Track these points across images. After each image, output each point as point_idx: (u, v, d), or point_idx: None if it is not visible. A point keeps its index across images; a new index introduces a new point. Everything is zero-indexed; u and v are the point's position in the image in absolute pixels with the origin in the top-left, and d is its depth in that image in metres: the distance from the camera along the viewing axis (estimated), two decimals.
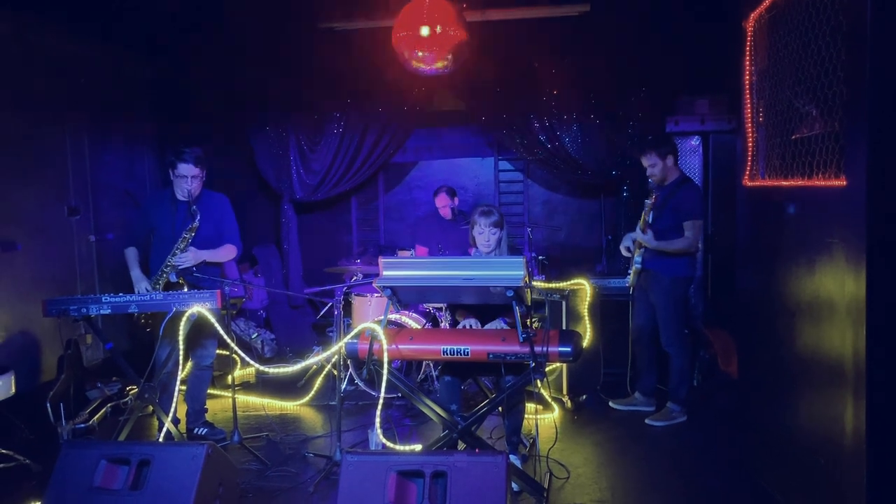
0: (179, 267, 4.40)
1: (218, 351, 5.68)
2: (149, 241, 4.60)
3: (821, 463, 3.03)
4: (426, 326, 5.36)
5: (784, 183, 3.46)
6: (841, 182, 2.77)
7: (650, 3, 6.10)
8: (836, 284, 2.82)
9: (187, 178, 4.41)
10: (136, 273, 4.49)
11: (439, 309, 5.54)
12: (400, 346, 3.56)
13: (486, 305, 3.87)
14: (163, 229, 4.48)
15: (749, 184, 4.01)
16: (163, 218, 4.49)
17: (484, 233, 4.05)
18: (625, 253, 5.03)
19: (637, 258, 4.76)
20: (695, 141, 6.25)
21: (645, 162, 4.79)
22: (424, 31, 5.03)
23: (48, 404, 4.67)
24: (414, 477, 2.97)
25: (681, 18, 6.08)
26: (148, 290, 4.35)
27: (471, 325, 4.00)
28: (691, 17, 5.98)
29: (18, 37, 5.26)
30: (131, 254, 4.55)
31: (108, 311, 3.98)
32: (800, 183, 3.23)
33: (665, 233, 4.61)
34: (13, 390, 4.24)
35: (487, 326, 3.97)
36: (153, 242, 4.56)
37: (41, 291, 5.17)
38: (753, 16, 3.91)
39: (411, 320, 5.33)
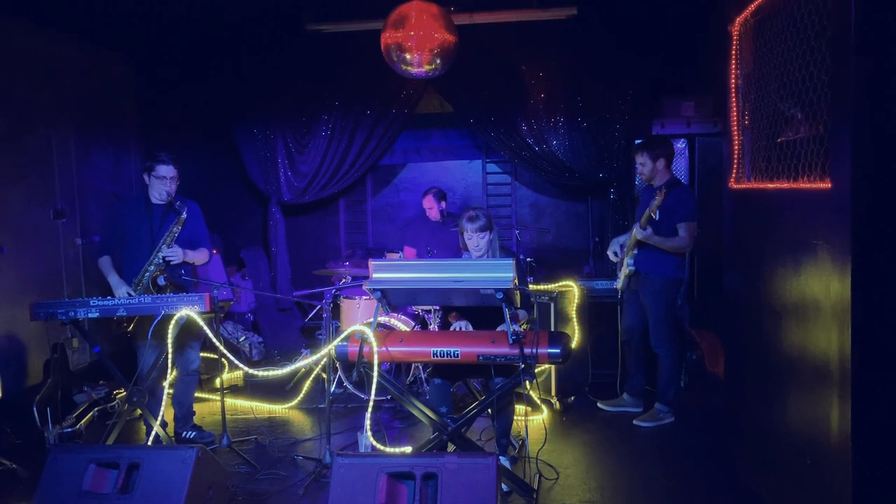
0: (171, 261, 4.36)
1: (206, 354, 5.69)
2: (121, 248, 4.51)
3: (807, 462, 3.06)
4: (415, 329, 5.37)
5: (770, 185, 3.50)
6: (826, 184, 2.80)
7: (637, 7, 6.14)
8: (822, 286, 2.86)
9: (166, 180, 4.40)
10: (114, 279, 4.41)
11: (428, 311, 5.55)
12: (390, 349, 3.57)
13: (482, 308, 3.88)
14: (140, 233, 4.42)
15: (735, 186, 4.05)
16: (140, 223, 4.44)
17: (472, 238, 4.08)
18: (612, 258, 5.07)
19: (629, 260, 4.79)
20: (681, 143, 6.30)
21: (637, 160, 4.89)
22: (412, 33, 5.05)
23: (35, 408, 4.64)
24: (405, 479, 2.99)
25: (667, 22, 6.13)
26: (130, 295, 4.29)
27: (462, 328, 4.01)
28: (677, 20, 6.03)
29: (4, 39, 5.23)
30: (107, 262, 4.47)
31: (96, 315, 3.96)
32: (785, 185, 3.27)
33: (658, 234, 4.64)
34: (0, 394, 4.20)
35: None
36: (128, 248, 4.48)
37: (27, 294, 5.14)
38: (739, 20, 3.95)
39: (400, 323, 5.33)
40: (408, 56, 5.12)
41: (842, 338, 2.68)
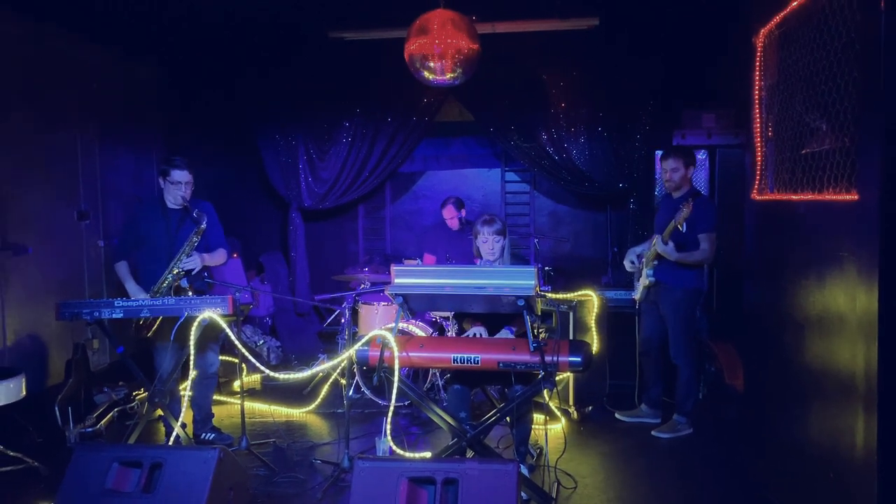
0: (191, 270, 4.39)
1: (225, 357, 5.73)
2: (137, 253, 4.53)
3: (830, 476, 3.04)
4: (433, 335, 5.38)
5: (793, 197, 3.49)
6: (852, 196, 2.80)
7: (658, 18, 6.15)
8: (847, 298, 2.84)
9: (181, 185, 4.42)
10: (132, 286, 4.44)
11: (446, 318, 5.56)
12: (410, 354, 3.57)
13: (494, 314, 3.89)
14: (157, 239, 4.44)
15: (758, 198, 4.04)
16: (156, 228, 4.46)
17: (488, 241, 4.09)
18: (628, 267, 5.06)
19: (649, 271, 4.77)
20: (701, 155, 6.28)
21: (667, 165, 4.82)
22: (436, 41, 5.08)
23: (56, 408, 4.69)
24: (425, 484, 2.99)
25: (689, 33, 6.13)
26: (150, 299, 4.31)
27: (479, 334, 4.02)
28: (699, 32, 6.03)
29: (33, 42, 5.31)
30: (123, 268, 4.49)
31: (120, 316, 3.99)
32: (810, 197, 3.26)
33: (681, 245, 4.61)
34: (23, 393, 4.25)
35: (495, 336, 3.99)
36: (144, 253, 4.49)
37: (50, 295, 5.21)
38: (763, 31, 3.96)
39: (418, 329, 5.35)
40: (431, 64, 5.15)
41: (868, 351, 2.66)
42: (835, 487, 3.00)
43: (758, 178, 4.05)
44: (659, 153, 6.23)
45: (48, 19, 5.39)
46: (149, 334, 4.34)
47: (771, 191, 3.89)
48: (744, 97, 4.26)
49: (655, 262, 4.77)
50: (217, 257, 4.62)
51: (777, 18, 3.74)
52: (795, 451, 3.44)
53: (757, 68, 4.05)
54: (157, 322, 4.28)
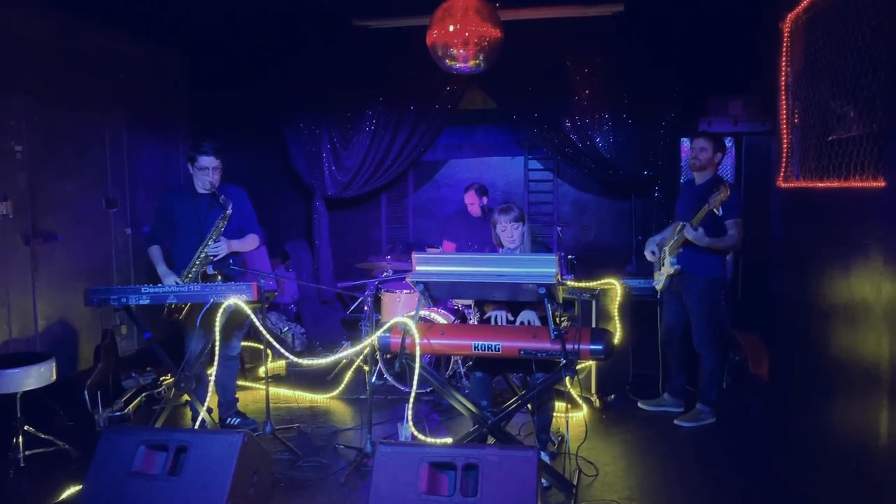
0: (215, 257, 4.44)
1: (250, 343, 5.80)
2: (170, 238, 4.58)
3: (854, 465, 3.01)
4: (454, 323, 5.39)
5: (819, 184, 3.45)
6: (880, 183, 2.76)
7: (684, 4, 6.07)
8: (873, 287, 2.81)
9: (209, 170, 4.45)
10: (162, 269, 4.49)
11: (468, 306, 5.57)
12: (432, 341, 3.60)
13: (516, 301, 3.89)
14: (187, 224, 4.50)
15: (784, 185, 4.00)
16: (186, 213, 4.51)
17: (507, 229, 4.09)
18: (650, 257, 5.02)
19: (673, 259, 4.72)
20: (728, 142, 6.21)
21: (696, 145, 4.75)
22: (459, 28, 5.07)
23: (86, 392, 4.79)
24: (446, 469, 3.02)
25: (715, 19, 6.05)
26: (178, 284, 4.37)
27: (501, 316, 4.02)
28: (725, 18, 5.94)
29: (62, 34, 5.39)
30: (156, 252, 4.55)
31: (147, 302, 4.05)
32: (836, 184, 3.22)
33: (710, 232, 4.54)
34: (54, 377, 4.34)
35: (518, 317, 3.99)
36: (176, 238, 4.55)
37: (79, 282, 5.30)
38: (790, 17, 3.90)
39: (440, 317, 5.37)
40: (454, 51, 5.14)
41: (893, 341, 2.63)
42: (859, 478, 2.98)
43: (784, 165, 4.01)
44: (684, 140, 6.17)
45: (78, 10, 5.46)
46: (180, 317, 4.40)
47: (797, 178, 3.85)
48: (770, 84, 4.21)
49: (680, 250, 4.72)
50: (247, 243, 4.66)
51: (804, 3, 3.68)
52: (820, 441, 3.41)
53: (784, 54, 4.00)
54: (188, 306, 4.34)
